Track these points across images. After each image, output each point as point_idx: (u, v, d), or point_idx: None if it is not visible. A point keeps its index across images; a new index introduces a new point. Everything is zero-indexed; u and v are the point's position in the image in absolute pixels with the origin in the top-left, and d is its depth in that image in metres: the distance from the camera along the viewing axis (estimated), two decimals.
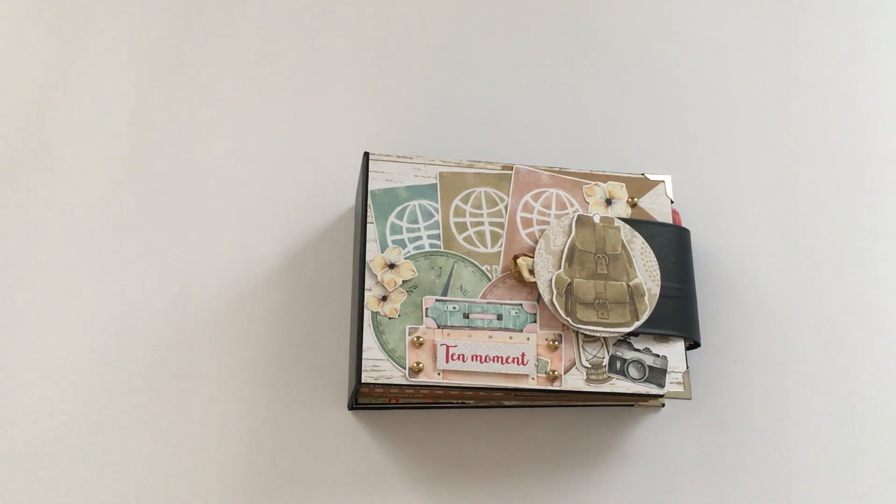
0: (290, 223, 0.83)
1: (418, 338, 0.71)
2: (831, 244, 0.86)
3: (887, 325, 0.84)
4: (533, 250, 0.75)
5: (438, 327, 0.71)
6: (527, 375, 0.71)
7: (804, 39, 0.95)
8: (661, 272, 0.75)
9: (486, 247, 0.75)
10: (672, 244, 0.77)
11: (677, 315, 0.74)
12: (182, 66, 0.88)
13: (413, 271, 0.73)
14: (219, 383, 0.77)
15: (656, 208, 0.78)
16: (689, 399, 0.76)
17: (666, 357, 0.73)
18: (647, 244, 0.76)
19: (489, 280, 0.73)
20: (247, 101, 0.87)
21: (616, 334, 0.72)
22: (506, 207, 0.76)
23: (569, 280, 0.73)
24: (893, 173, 0.90)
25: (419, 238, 0.74)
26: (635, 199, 0.78)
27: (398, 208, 0.75)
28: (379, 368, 0.70)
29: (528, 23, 0.93)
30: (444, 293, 0.72)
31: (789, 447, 0.79)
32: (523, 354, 0.71)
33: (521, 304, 0.73)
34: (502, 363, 0.71)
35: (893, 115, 0.92)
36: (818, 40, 0.95)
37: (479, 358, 0.71)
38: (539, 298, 0.73)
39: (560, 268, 0.74)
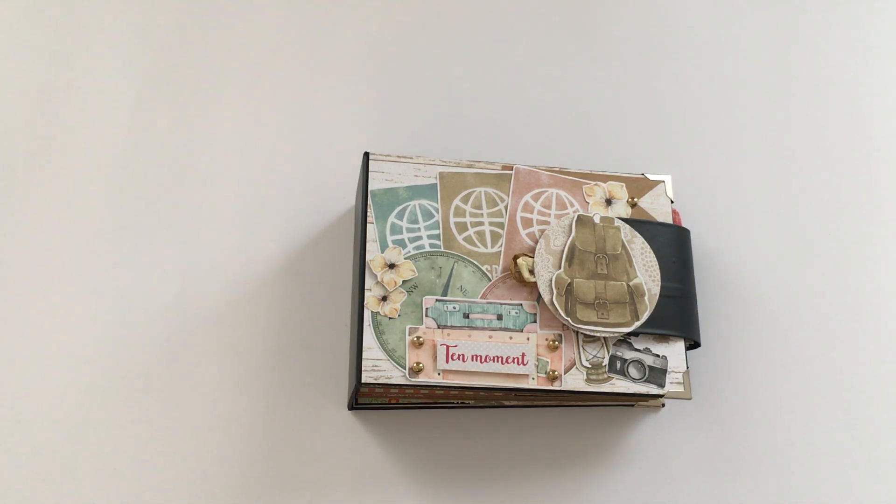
0: (290, 223, 0.83)
1: (418, 338, 0.71)
2: (831, 244, 0.86)
3: (887, 325, 0.83)
4: (533, 250, 0.75)
5: (438, 327, 0.71)
6: (527, 375, 0.71)
7: (804, 39, 0.95)
8: (661, 272, 0.75)
9: (486, 247, 0.75)
10: (672, 244, 0.77)
11: (677, 315, 0.74)
12: (182, 66, 0.88)
13: (413, 271, 0.73)
14: (219, 383, 0.77)
15: (656, 208, 0.78)
16: (689, 399, 0.76)
17: (666, 357, 0.73)
18: (647, 244, 0.76)
19: (489, 280, 0.73)
20: (247, 101, 0.87)
21: (616, 334, 0.72)
22: (506, 207, 0.76)
23: (569, 280, 0.73)
24: (893, 173, 0.90)
25: (419, 238, 0.74)
26: (635, 199, 0.78)
27: (398, 208, 0.75)
28: (379, 368, 0.70)
29: (528, 23, 0.93)
30: (444, 293, 0.72)
31: (789, 447, 0.79)
32: (523, 354, 0.71)
33: (521, 304, 0.73)
34: (502, 363, 0.71)
35: (894, 114, 0.92)
36: (818, 40, 0.95)
37: (479, 358, 0.71)
38: (539, 298, 0.73)
39: (560, 268, 0.74)
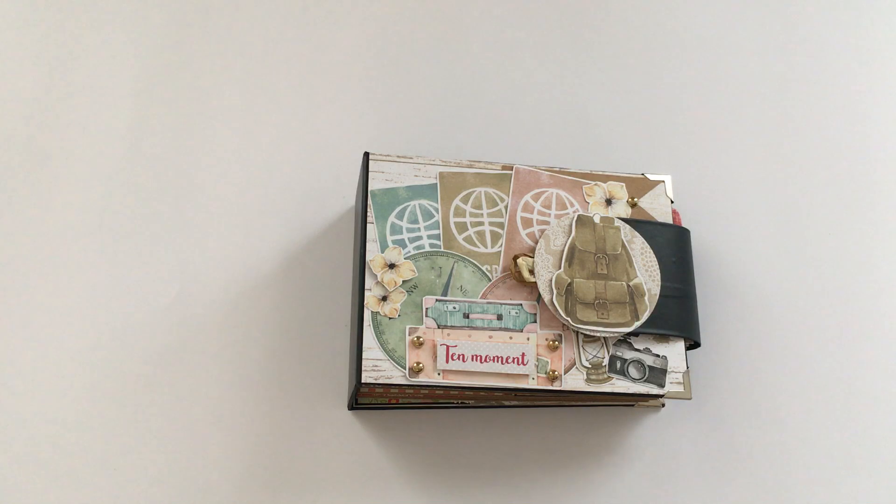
0: (290, 223, 0.83)
1: (418, 338, 0.71)
2: (831, 244, 0.86)
3: (887, 325, 0.83)
4: (533, 250, 0.75)
5: (438, 327, 0.71)
6: (527, 375, 0.71)
7: (804, 39, 0.95)
8: (661, 272, 0.75)
9: (486, 247, 0.75)
10: (672, 244, 0.77)
11: (677, 315, 0.74)
12: (182, 65, 0.88)
13: (413, 271, 0.73)
14: (219, 383, 0.77)
15: (656, 208, 0.78)
16: (689, 399, 0.76)
17: (666, 357, 0.73)
18: (647, 244, 0.76)
19: (489, 280, 0.73)
20: (247, 101, 0.87)
21: (616, 334, 0.72)
22: (506, 207, 0.76)
23: (569, 280, 0.73)
24: (893, 173, 0.90)
25: (419, 238, 0.74)
26: (635, 199, 0.78)
27: (398, 208, 0.75)
28: (379, 368, 0.70)
29: (527, 23, 0.93)
30: (444, 293, 0.72)
31: (789, 447, 0.79)
32: (523, 354, 0.71)
33: (521, 304, 0.73)
34: (502, 363, 0.71)
35: (893, 114, 0.92)
36: (818, 40, 0.95)
37: (479, 358, 0.71)
38: (539, 298, 0.73)
39: (560, 268, 0.74)
